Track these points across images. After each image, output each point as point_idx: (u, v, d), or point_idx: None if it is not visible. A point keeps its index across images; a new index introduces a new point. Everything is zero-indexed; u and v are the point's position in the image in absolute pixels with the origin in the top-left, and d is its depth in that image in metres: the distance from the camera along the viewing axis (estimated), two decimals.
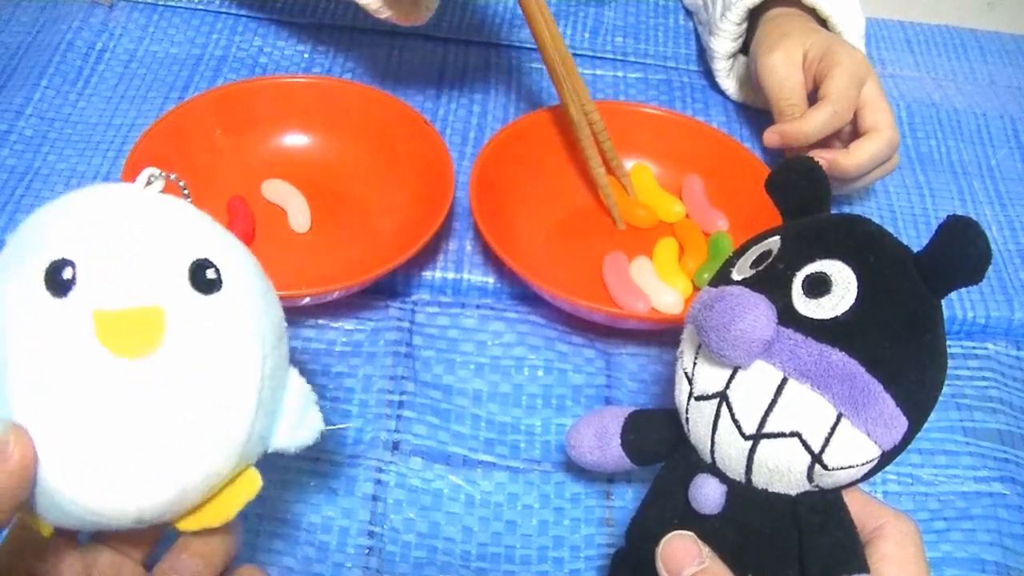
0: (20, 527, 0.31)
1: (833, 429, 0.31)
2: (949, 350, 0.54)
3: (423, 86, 0.65)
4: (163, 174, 0.32)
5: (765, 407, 0.32)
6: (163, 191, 0.32)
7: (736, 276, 0.35)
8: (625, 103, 0.64)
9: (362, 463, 0.46)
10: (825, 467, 0.32)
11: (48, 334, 0.28)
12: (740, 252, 0.36)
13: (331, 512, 0.44)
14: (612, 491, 0.46)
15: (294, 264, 0.53)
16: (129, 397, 0.28)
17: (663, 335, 0.53)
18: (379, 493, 0.45)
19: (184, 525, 0.31)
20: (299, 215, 0.55)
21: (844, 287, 0.32)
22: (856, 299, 0.31)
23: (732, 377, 0.32)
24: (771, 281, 0.33)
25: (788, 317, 0.31)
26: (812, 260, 0.32)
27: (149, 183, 0.32)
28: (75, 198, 0.31)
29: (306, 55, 0.67)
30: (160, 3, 0.69)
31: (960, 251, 0.31)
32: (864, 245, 0.33)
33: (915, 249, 0.34)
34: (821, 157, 0.56)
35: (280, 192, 0.56)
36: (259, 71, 0.65)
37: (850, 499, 0.34)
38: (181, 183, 0.35)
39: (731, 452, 0.33)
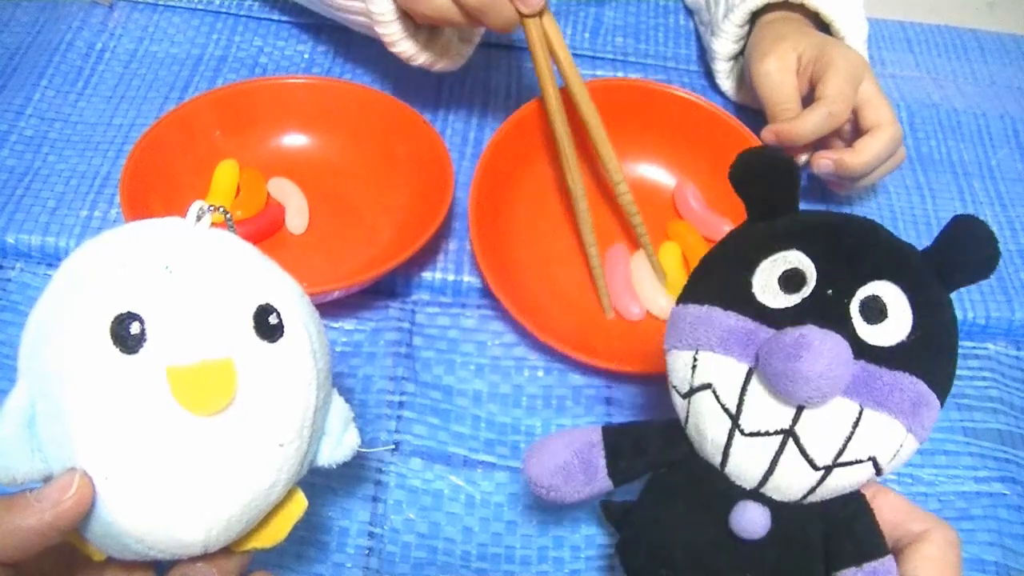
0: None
1: (901, 445, 0.32)
2: None
3: (423, 86, 0.65)
4: (211, 207, 0.32)
5: (843, 441, 0.32)
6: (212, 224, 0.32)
7: (768, 301, 0.33)
8: (624, 79, 0.64)
9: (362, 463, 0.45)
10: (880, 473, 0.33)
11: (120, 390, 0.28)
12: (742, 262, 0.34)
13: (331, 512, 0.44)
14: (612, 491, 0.46)
15: (294, 264, 0.53)
16: (201, 448, 0.29)
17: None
18: (379, 493, 0.45)
19: (240, 548, 0.32)
20: (296, 216, 0.55)
21: (901, 311, 0.32)
22: (913, 322, 0.32)
23: (799, 414, 0.32)
24: (826, 310, 0.32)
25: (856, 348, 0.31)
26: (861, 283, 0.32)
27: (199, 218, 0.32)
28: (128, 239, 0.31)
29: (306, 55, 0.67)
30: (160, 3, 0.69)
31: (971, 248, 0.33)
32: (899, 259, 0.34)
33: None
34: (828, 157, 0.56)
35: (283, 191, 0.56)
36: (259, 71, 0.65)
37: (895, 503, 0.35)
38: (227, 216, 0.35)
39: (795, 482, 0.33)
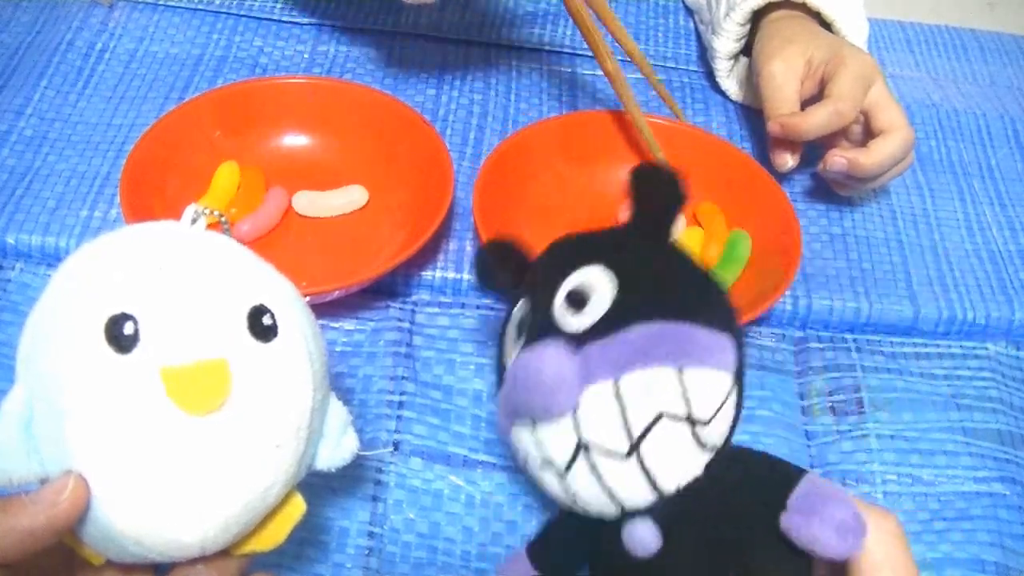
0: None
1: (683, 384, 0.30)
2: (950, 350, 0.55)
3: (423, 86, 0.65)
4: (206, 210, 0.32)
5: (621, 418, 0.30)
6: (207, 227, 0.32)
7: (513, 356, 0.34)
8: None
9: (362, 463, 0.46)
10: (703, 423, 0.31)
11: (115, 391, 0.28)
12: (500, 352, 0.36)
13: (331, 512, 0.44)
14: None
15: (294, 264, 0.53)
16: (197, 448, 0.29)
17: None
18: (379, 493, 0.45)
19: (239, 551, 0.32)
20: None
21: (598, 282, 0.32)
22: (616, 283, 0.32)
23: (576, 422, 0.31)
24: (541, 332, 0.32)
25: (578, 341, 0.31)
26: (556, 287, 0.33)
27: (194, 220, 0.32)
28: (122, 242, 0.31)
29: (306, 55, 0.67)
30: (160, 3, 0.69)
31: (647, 195, 0.34)
32: (584, 246, 0.34)
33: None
34: (842, 156, 0.56)
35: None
36: (259, 71, 0.65)
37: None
38: (223, 218, 0.36)
39: (626, 481, 0.31)
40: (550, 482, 0.33)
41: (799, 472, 0.32)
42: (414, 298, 0.54)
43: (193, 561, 0.31)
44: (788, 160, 0.59)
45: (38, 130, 0.59)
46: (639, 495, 0.31)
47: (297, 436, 0.31)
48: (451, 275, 0.54)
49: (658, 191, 0.35)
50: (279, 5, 0.70)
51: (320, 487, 0.45)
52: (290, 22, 0.69)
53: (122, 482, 0.28)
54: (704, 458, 0.31)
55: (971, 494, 0.48)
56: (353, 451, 0.35)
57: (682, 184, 0.35)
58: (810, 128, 0.56)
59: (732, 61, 0.68)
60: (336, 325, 0.51)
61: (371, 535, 0.44)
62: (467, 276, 0.54)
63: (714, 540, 0.32)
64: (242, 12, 0.69)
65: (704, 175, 0.59)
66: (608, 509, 0.32)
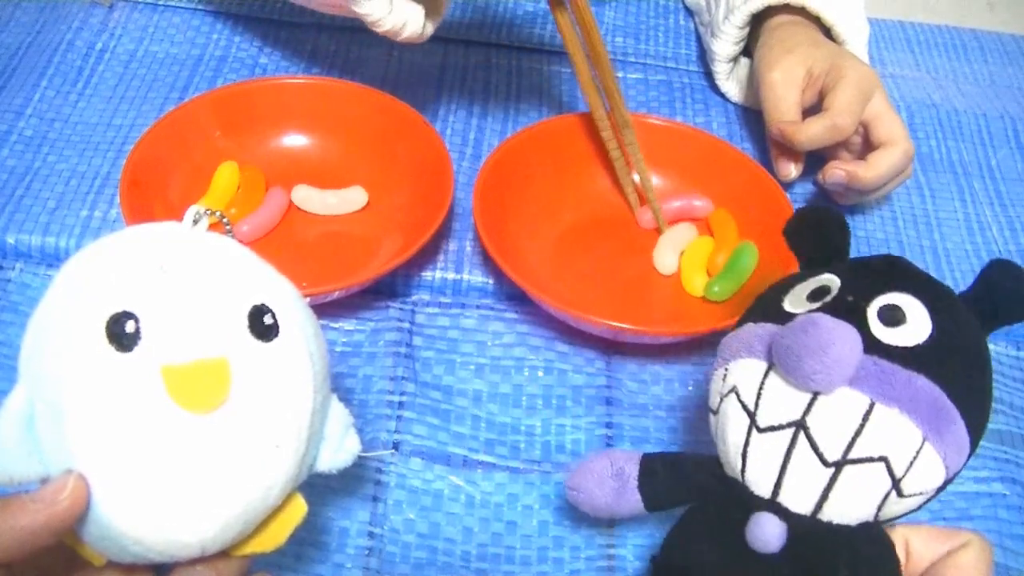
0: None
1: (918, 452, 0.31)
2: None
3: (423, 86, 0.65)
4: (208, 211, 0.32)
5: (853, 432, 0.31)
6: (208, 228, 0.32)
7: (792, 308, 0.35)
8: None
9: (362, 464, 0.45)
10: (901, 494, 0.32)
11: (115, 389, 0.28)
12: (781, 289, 0.37)
13: (331, 512, 0.44)
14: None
15: (295, 264, 0.53)
16: (197, 447, 0.29)
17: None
18: (379, 494, 0.45)
19: (239, 552, 0.32)
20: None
21: (919, 318, 0.32)
22: (933, 330, 0.32)
23: (811, 405, 0.32)
24: (844, 312, 0.33)
25: (870, 344, 0.32)
26: (882, 292, 0.33)
27: (196, 221, 0.32)
28: (124, 242, 0.31)
29: (306, 55, 0.67)
30: (160, 3, 0.69)
31: (1009, 290, 0.34)
32: (924, 281, 0.34)
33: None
34: (842, 168, 0.56)
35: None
36: (259, 71, 0.65)
37: (928, 535, 0.34)
38: (225, 219, 0.36)
39: (806, 482, 0.32)
40: (736, 422, 0.34)
41: None
42: (414, 298, 0.54)
43: (193, 562, 0.31)
44: (791, 170, 0.60)
45: (38, 130, 0.59)
46: (804, 500, 0.33)
47: (298, 436, 0.31)
48: (451, 275, 0.54)
49: (824, 236, 0.37)
50: (279, 5, 0.70)
51: (320, 487, 0.45)
52: (290, 22, 0.69)
53: (122, 480, 0.28)
54: (866, 519, 0.33)
55: (971, 494, 0.48)
56: (354, 453, 0.35)
57: (842, 221, 0.37)
58: (805, 139, 0.56)
59: (731, 63, 0.68)
60: (336, 325, 0.51)
61: (371, 535, 0.44)
62: (467, 276, 0.54)
63: None
64: (242, 12, 0.69)
65: (704, 176, 0.60)
66: (763, 483, 0.33)
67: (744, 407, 0.34)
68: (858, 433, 0.31)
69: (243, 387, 0.30)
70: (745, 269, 0.54)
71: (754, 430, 0.33)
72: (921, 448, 0.31)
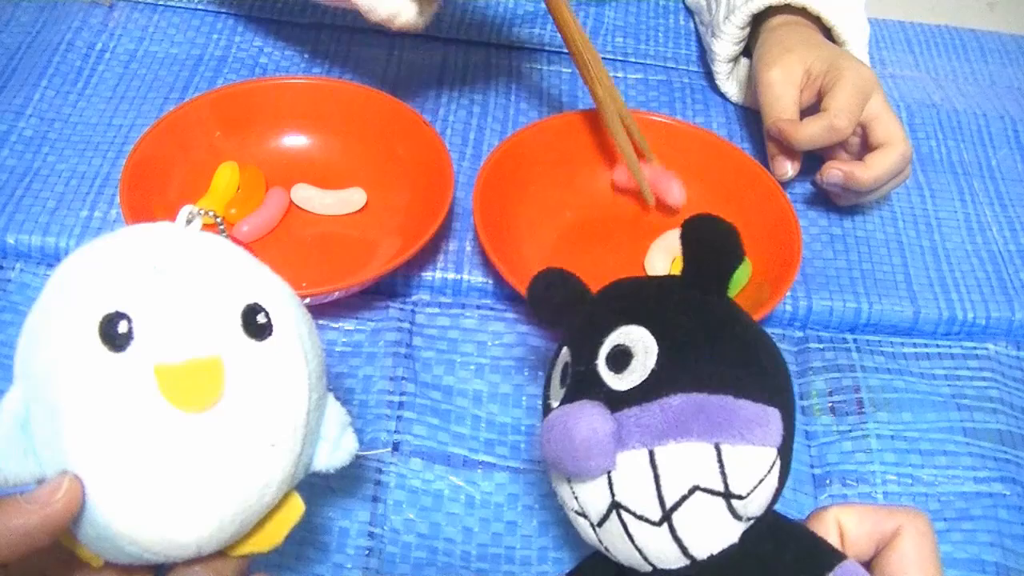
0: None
1: (720, 460, 0.30)
2: (950, 350, 0.55)
3: (423, 86, 0.65)
4: (201, 211, 0.32)
5: (654, 486, 0.31)
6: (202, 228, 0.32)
7: (555, 403, 0.35)
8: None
9: (362, 464, 0.45)
10: (740, 497, 0.31)
11: (109, 389, 0.28)
12: (547, 384, 0.36)
13: (331, 512, 0.44)
14: None
15: (294, 264, 0.53)
16: (191, 446, 0.29)
17: None
18: (379, 494, 0.45)
19: (236, 552, 0.32)
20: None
21: (642, 344, 0.32)
22: (658, 347, 0.31)
23: (611, 484, 0.31)
24: (581, 385, 0.33)
25: (616, 401, 0.31)
26: (600, 342, 0.33)
27: (189, 221, 0.32)
28: (116, 243, 0.31)
29: (306, 55, 0.67)
30: (160, 3, 0.69)
31: (708, 248, 0.33)
32: (631, 302, 0.34)
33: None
34: (839, 169, 0.56)
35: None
36: (259, 71, 0.65)
37: (859, 514, 0.33)
38: (218, 219, 0.36)
39: (658, 545, 0.32)
40: (584, 529, 0.34)
41: (838, 557, 0.32)
42: (414, 298, 0.54)
43: (191, 562, 0.31)
44: (788, 169, 0.59)
45: (38, 130, 0.59)
46: (670, 559, 0.32)
47: (293, 435, 0.31)
48: (451, 275, 0.54)
49: (713, 245, 0.34)
50: (279, 5, 0.70)
51: (320, 487, 0.45)
52: (290, 22, 0.69)
53: (117, 480, 0.28)
54: (740, 527, 0.32)
55: (971, 494, 0.48)
56: (352, 453, 0.35)
57: (738, 239, 0.34)
58: (803, 139, 0.56)
59: (732, 64, 0.68)
60: (336, 325, 0.51)
61: (371, 535, 0.44)
62: (467, 276, 0.54)
63: None
64: (242, 12, 0.69)
65: (704, 175, 0.60)
66: (640, 565, 0.33)
67: (576, 513, 0.34)
68: (658, 483, 0.31)
69: (237, 386, 0.29)
70: (736, 282, 0.53)
71: (595, 528, 0.33)
72: (720, 454, 0.30)
